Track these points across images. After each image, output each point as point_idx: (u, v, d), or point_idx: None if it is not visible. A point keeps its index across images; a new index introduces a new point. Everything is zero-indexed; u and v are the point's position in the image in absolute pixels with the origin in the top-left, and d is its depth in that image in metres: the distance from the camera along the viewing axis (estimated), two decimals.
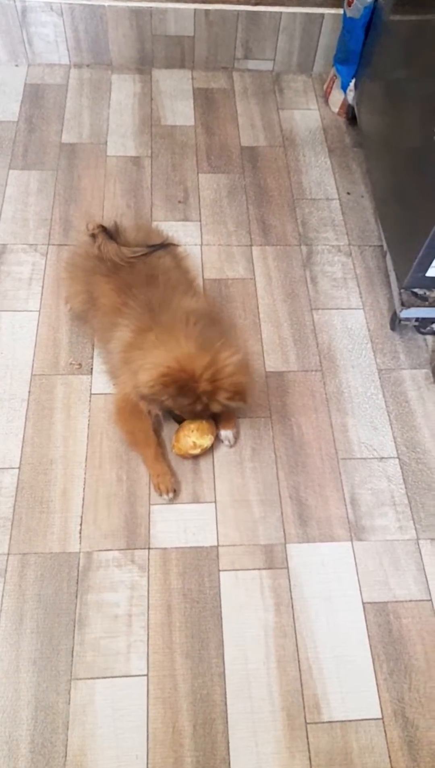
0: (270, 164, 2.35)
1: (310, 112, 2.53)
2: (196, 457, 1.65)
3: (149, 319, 1.55)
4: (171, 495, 1.61)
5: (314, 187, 2.30)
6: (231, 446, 1.70)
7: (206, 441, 1.62)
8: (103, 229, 1.76)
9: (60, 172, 2.26)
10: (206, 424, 1.63)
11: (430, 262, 1.72)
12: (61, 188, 2.22)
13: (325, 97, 2.55)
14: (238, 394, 1.48)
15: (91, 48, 2.53)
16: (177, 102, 2.52)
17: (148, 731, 1.33)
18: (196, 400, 1.45)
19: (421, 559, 1.57)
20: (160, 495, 1.61)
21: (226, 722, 1.34)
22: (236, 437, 1.71)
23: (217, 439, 1.68)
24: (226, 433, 1.70)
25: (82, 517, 1.58)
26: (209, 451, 1.68)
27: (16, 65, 2.57)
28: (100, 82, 2.55)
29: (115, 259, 1.69)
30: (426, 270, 1.74)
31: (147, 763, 1.29)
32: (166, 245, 1.81)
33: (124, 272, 1.69)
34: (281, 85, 2.62)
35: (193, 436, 1.61)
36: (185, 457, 1.65)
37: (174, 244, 1.88)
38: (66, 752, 1.30)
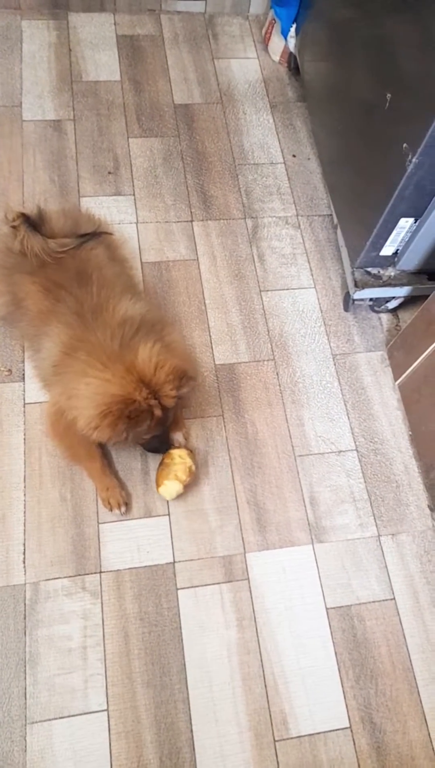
0: (207, 124, 2.13)
1: (249, 62, 2.30)
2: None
3: (80, 329, 1.38)
4: (123, 509, 1.50)
5: (257, 149, 2.10)
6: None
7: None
8: (25, 218, 1.54)
9: None
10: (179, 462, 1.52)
11: (385, 241, 1.59)
12: None
13: (265, 43, 2.31)
14: (179, 378, 1.33)
15: None
16: (99, 53, 2.23)
17: None
18: (150, 416, 1.32)
19: (383, 556, 1.53)
20: (111, 510, 1.50)
21: (193, 749, 1.30)
22: (187, 437, 1.60)
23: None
24: (175, 436, 1.58)
25: (25, 544, 1.45)
26: (158, 456, 1.57)
27: None
28: (9, 29, 2.23)
29: (41, 255, 1.50)
30: (380, 249, 1.62)
31: None
32: (97, 234, 1.62)
33: (52, 269, 1.50)
34: (215, 29, 2.35)
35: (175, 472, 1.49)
36: (184, 482, 1.50)
37: (107, 233, 1.69)
38: None
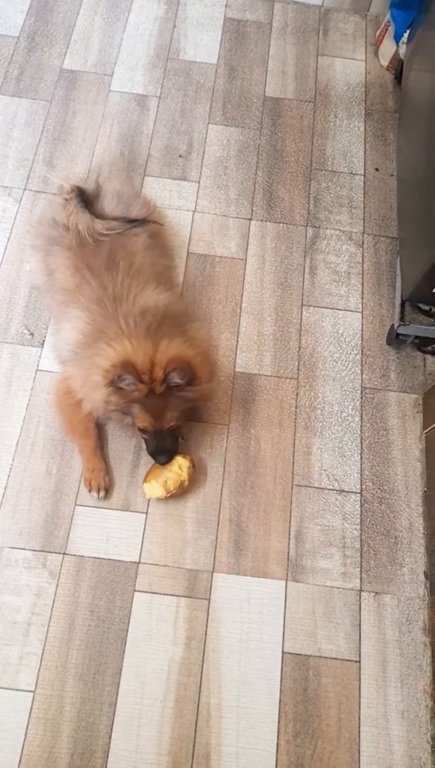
0: (293, 122, 2.03)
1: (355, 63, 2.16)
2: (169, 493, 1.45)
3: (101, 318, 1.36)
4: (102, 494, 1.47)
5: (338, 156, 1.98)
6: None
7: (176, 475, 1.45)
8: (80, 192, 1.54)
9: (54, 104, 2.00)
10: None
11: None
12: (51, 123, 1.97)
13: (376, 46, 2.17)
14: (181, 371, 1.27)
15: None
16: (202, 33, 2.18)
17: (22, 752, 1.25)
18: (150, 390, 1.28)
19: (359, 613, 1.41)
20: (90, 492, 1.47)
21: (107, 756, 1.26)
22: (184, 438, 1.54)
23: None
24: None
25: (0, 507, 1.46)
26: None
27: None
28: None
29: (83, 234, 1.48)
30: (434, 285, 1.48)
31: None
32: (146, 221, 1.58)
33: (87, 249, 1.48)
34: (328, 24, 2.23)
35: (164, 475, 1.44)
36: (169, 491, 1.44)
37: (157, 222, 1.65)
38: None
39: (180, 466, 1.44)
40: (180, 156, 1.94)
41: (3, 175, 1.86)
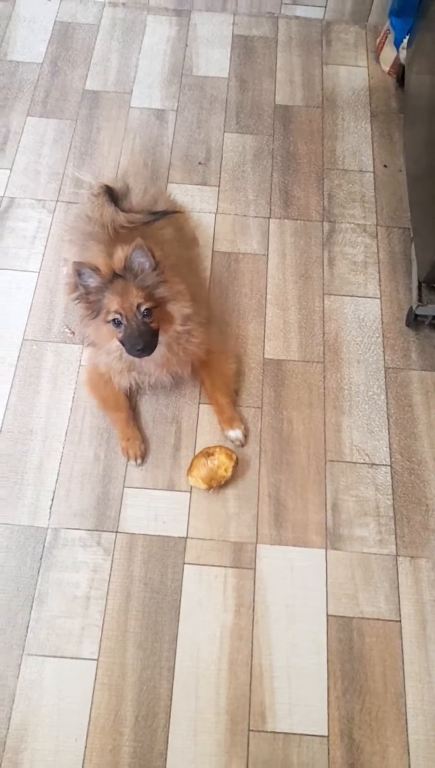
0: (303, 127, 2.16)
1: (358, 70, 2.30)
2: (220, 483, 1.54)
3: None
4: (138, 461, 1.58)
5: (348, 155, 2.10)
6: (242, 446, 1.62)
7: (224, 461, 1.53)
8: (108, 189, 1.67)
9: (79, 123, 2.14)
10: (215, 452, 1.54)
11: None
12: (78, 140, 2.10)
13: (377, 53, 2.30)
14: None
15: None
16: (213, 50, 2.32)
17: (90, 716, 1.33)
18: (115, 274, 1.40)
19: (397, 577, 1.48)
20: (128, 460, 1.58)
21: (169, 717, 1.34)
22: (246, 434, 1.63)
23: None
24: (235, 433, 1.61)
25: (54, 492, 1.56)
26: (192, 437, 1.63)
27: (49, 0, 2.41)
28: (134, 23, 2.37)
29: (109, 225, 1.61)
30: None
31: (85, 747, 1.30)
32: (168, 212, 1.70)
33: (119, 241, 1.60)
34: (330, 36, 2.37)
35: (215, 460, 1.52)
36: (211, 486, 1.53)
37: (177, 211, 1.77)
38: (9, 724, 1.32)
39: (226, 466, 1.51)
40: (199, 163, 2.07)
41: (36, 189, 2.00)
